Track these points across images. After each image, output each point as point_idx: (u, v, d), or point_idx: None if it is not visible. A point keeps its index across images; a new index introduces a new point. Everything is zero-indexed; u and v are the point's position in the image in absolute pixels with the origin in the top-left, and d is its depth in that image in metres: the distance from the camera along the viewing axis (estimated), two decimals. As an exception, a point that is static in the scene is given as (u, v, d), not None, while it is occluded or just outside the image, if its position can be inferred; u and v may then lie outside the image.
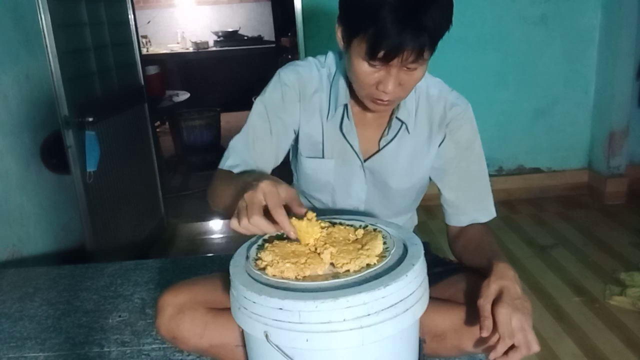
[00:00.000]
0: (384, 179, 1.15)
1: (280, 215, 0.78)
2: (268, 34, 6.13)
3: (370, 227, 0.93)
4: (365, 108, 1.07)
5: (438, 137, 1.14)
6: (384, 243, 0.86)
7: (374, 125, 1.13)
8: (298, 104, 1.12)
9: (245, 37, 5.98)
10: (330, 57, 1.16)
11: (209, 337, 1.04)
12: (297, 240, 0.84)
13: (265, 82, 1.18)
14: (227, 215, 0.89)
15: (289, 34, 4.95)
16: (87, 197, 2.16)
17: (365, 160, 1.14)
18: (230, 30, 5.98)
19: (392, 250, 0.84)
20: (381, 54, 0.89)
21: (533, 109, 3.09)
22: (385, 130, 1.13)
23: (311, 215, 0.84)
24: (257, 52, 5.83)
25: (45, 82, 2.07)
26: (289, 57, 5.09)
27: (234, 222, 0.79)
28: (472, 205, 1.17)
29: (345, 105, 1.09)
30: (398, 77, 0.93)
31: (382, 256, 0.82)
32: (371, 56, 0.90)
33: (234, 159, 1.09)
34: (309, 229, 0.84)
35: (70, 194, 2.20)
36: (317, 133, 1.13)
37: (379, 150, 1.13)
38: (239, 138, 1.12)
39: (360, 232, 0.91)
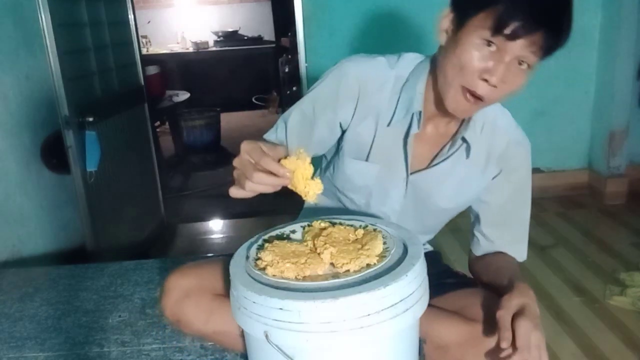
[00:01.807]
0: (425, 197, 1.11)
1: (267, 162, 0.78)
2: (268, 34, 6.13)
3: (370, 227, 0.93)
4: (432, 120, 1.03)
5: (493, 170, 1.09)
6: (384, 243, 0.86)
7: (430, 141, 1.07)
8: (354, 102, 1.04)
9: (245, 37, 5.98)
10: (406, 60, 1.06)
11: (213, 324, 1.04)
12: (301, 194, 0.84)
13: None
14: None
15: (289, 34, 4.95)
16: (87, 197, 2.16)
17: (410, 174, 1.09)
18: (230, 30, 5.99)
19: (392, 250, 0.84)
20: (513, 26, 0.83)
21: (533, 108, 3.09)
22: (444, 147, 1.07)
23: (299, 151, 0.83)
24: (257, 52, 5.84)
25: (45, 82, 2.07)
26: (289, 57, 5.09)
27: (234, 191, 0.81)
28: (505, 245, 1.16)
29: (420, 113, 1.00)
30: (508, 68, 0.87)
31: (382, 256, 0.82)
32: (497, 29, 0.83)
33: (272, 134, 1.09)
34: (300, 163, 0.81)
35: (70, 194, 2.20)
36: (368, 135, 1.06)
37: (428, 167, 1.08)
38: (286, 116, 1.09)
39: (360, 232, 0.91)
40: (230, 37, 5.92)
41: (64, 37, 2.04)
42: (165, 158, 4.14)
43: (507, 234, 1.15)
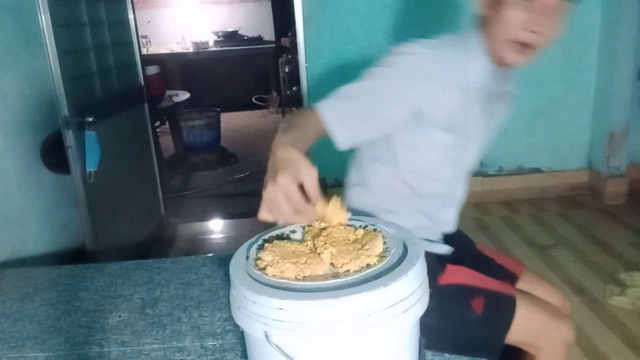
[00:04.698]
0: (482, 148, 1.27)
1: (301, 219, 0.83)
2: (268, 34, 6.13)
3: (370, 227, 0.93)
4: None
5: None
6: (384, 243, 0.86)
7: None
8: (431, 78, 1.08)
9: (245, 37, 5.98)
10: (446, 38, 1.14)
11: None
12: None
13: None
14: None
15: (289, 34, 4.95)
16: (87, 197, 2.16)
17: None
18: (230, 30, 5.99)
19: (392, 250, 0.84)
20: None
21: (533, 109, 3.09)
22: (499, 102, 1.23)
23: (335, 200, 0.86)
24: (257, 52, 5.84)
25: (45, 82, 2.07)
26: (289, 57, 5.10)
27: (265, 215, 0.83)
28: None
29: (489, 73, 1.13)
30: (548, 17, 1.04)
31: (382, 256, 0.82)
32: None
33: (341, 130, 1.01)
34: (337, 214, 0.86)
35: (70, 194, 2.20)
36: (445, 107, 1.10)
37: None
38: (349, 98, 1.04)
39: (360, 232, 0.91)
40: (230, 37, 5.92)
41: (64, 37, 2.04)
42: (165, 158, 4.15)
43: None
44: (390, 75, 1.07)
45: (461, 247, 1.31)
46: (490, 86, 1.15)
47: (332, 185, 3.25)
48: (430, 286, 1.08)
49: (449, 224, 1.32)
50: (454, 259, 1.22)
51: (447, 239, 1.31)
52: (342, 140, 1.02)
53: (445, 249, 1.25)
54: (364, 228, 0.93)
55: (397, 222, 1.17)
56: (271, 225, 0.98)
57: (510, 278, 1.31)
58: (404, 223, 1.18)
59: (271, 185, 0.81)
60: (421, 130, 1.13)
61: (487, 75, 1.13)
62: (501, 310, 1.14)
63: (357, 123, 1.05)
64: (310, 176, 0.82)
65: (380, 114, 1.06)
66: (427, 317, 1.06)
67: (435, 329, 1.08)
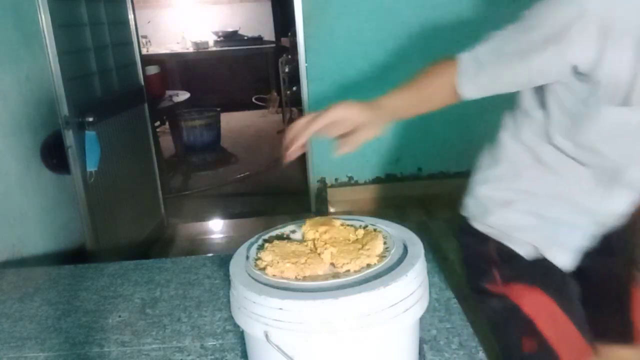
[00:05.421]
0: None
1: (305, 132, 0.87)
2: (268, 34, 6.14)
3: (370, 227, 0.93)
4: None
5: None
6: (384, 243, 0.86)
7: None
8: (597, 36, 0.79)
9: (245, 37, 5.99)
10: None
11: None
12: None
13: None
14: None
15: (289, 34, 4.96)
16: (87, 197, 2.16)
17: None
18: (230, 30, 5.99)
19: (392, 250, 0.84)
20: None
21: (533, 109, 3.09)
22: None
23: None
24: (257, 52, 5.84)
25: (45, 82, 2.07)
26: (289, 57, 5.10)
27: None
28: None
29: None
30: None
31: (382, 256, 0.82)
32: None
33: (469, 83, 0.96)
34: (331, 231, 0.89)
35: (70, 194, 2.20)
36: (626, 72, 0.80)
37: None
38: (498, 41, 0.93)
39: (361, 232, 0.91)
40: (230, 37, 5.93)
41: (64, 37, 2.04)
42: (165, 158, 4.15)
43: None
44: (544, 29, 0.83)
45: (605, 279, 1.05)
46: None
47: (332, 185, 3.25)
48: (499, 282, 1.00)
49: (614, 211, 0.98)
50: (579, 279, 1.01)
51: (600, 255, 1.01)
52: (469, 94, 0.97)
53: (562, 262, 0.98)
54: (364, 228, 0.93)
55: (531, 198, 1.02)
56: (271, 226, 0.98)
57: (625, 339, 1.04)
58: (540, 201, 1.01)
59: (327, 111, 0.87)
60: (580, 95, 0.88)
61: None
62: None
63: (491, 83, 0.96)
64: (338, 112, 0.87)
65: (522, 78, 0.92)
66: (485, 300, 1.04)
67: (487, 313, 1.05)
